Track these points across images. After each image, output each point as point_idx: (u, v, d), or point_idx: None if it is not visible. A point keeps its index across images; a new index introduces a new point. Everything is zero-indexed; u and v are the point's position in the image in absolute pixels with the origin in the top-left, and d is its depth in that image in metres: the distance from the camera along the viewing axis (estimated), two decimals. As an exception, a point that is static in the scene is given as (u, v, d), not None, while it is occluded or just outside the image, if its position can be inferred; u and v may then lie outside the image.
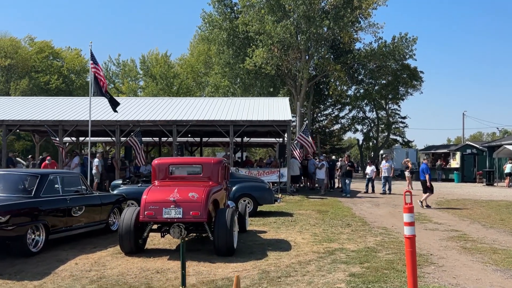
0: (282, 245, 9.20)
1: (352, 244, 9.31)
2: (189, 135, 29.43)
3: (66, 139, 25.52)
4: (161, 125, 20.34)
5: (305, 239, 9.85)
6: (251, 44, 39.22)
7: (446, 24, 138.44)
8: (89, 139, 18.07)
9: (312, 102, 44.89)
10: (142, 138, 28.69)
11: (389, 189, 22.06)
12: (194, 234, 9.52)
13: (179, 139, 30.93)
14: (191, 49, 50.19)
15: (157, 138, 29.60)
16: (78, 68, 57.81)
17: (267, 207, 14.64)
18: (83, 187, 9.75)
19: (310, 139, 21.72)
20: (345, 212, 14.92)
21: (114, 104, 16.84)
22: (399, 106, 52.11)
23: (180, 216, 7.83)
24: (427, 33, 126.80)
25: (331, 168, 23.05)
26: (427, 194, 16.23)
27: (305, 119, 36.61)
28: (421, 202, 16.19)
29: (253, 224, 11.81)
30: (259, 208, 14.06)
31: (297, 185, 21.75)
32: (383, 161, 22.95)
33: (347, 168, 20.77)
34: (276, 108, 22.22)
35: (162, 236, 8.74)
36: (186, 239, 8.56)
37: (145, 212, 7.90)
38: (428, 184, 16.09)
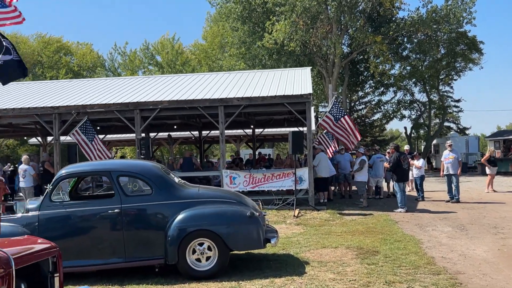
0: None
1: None
2: (190, 132, 22.77)
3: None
4: (118, 111, 13.70)
5: None
6: (271, 17, 32.39)
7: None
8: None
9: (347, 86, 37.43)
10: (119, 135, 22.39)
11: (458, 193, 14.62)
12: None
13: (177, 134, 24.43)
14: (204, 34, 43.62)
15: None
16: (90, 65, 52.50)
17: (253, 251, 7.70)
18: None
19: (346, 123, 14.51)
20: (411, 250, 7.81)
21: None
22: (451, 87, 43.77)
23: None
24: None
25: (376, 165, 15.67)
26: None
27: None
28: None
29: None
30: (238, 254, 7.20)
31: (325, 193, 14.57)
32: (446, 152, 14.98)
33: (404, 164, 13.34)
34: (291, 81, 15.19)
35: None
36: None
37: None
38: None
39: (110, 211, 6.34)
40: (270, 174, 13.36)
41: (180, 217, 6.37)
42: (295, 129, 19.13)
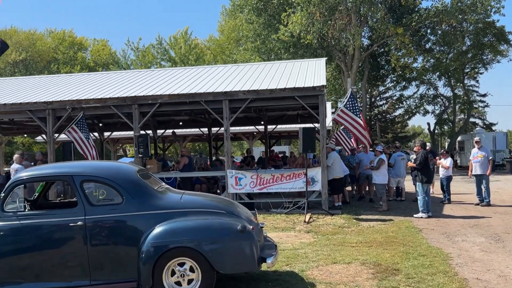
0: None
1: None
2: (199, 129, 21.67)
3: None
4: (114, 106, 12.66)
5: None
6: (287, 9, 31.09)
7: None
8: None
9: (367, 80, 35.88)
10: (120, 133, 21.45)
11: (488, 195, 13.18)
12: None
13: (187, 131, 23.34)
14: (220, 28, 42.50)
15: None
16: (105, 61, 51.94)
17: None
18: None
19: (359, 120, 13.27)
20: (438, 268, 6.54)
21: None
22: (477, 81, 41.74)
23: None
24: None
25: (397, 164, 14.28)
26: None
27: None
28: None
29: None
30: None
31: (340, 196, 13.29)
32: (475, 150, 13.39)
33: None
34: (303, 73, 13.95)
35: None
36: None
37: None
38: None
39: (71, 224, 5.26)
40: (280, 175, 12.15)
41: (155, 231, 5.25)
42: (310, 125, 17.85)
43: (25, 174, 5.57)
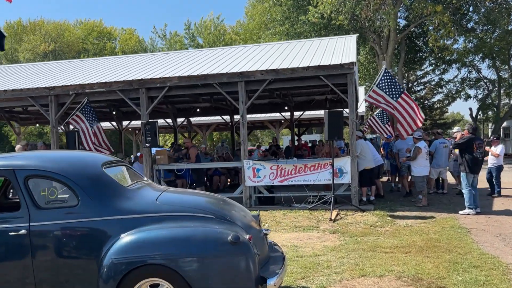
0: None
1: None
2: (221, 116, 20.39)
3: None
4: (120, 90, 11.49)
5: None
6: (316, -11, 29.36)
7: None
8: None
9: (404, 63, 33.70)
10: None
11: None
12: None
13: (209, 119, 22.10)
14: (248, 13, 40.99)
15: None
16: (133, 49, 51.38)
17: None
18: None
19: (394, 103, 11.46)
20: (498, 287, 5.07)
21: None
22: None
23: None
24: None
25: (439, 153, 12.54)
26: None
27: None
28: None
29: None
30: None
31: (373, 188, 11.73)
32: None
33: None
34: (329, 51, 12.42)
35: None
36: None
37: None
38: None
39: (12, 233, 4.05)
40: (303, 165, 10.72)
41: (119, 243, 3.97)
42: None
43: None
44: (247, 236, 4.14)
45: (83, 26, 52.23)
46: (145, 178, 5.21)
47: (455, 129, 13.91)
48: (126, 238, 4.01)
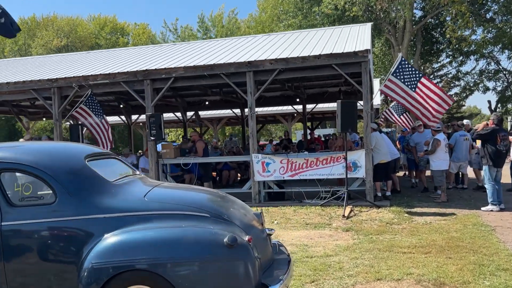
0: None
1: None
2: (231, 109, 19.88)
3: None
4: (124, 82, 11.07)
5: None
6: (330, -21, 28.63)
7: None
8: None
9: (420, 55, 32.82)
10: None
11: None
12: None
13: (220, 113, 21.60)
14: (260, 5, 40.39)
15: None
16: (144, 44, 51.15)
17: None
18: None
19: (412, 94, 10.72)
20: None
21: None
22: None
23: None
24: None
25: (459, 146, 11.87)
26: None
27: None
28: None
29: None
30: None
31: (389, 183, 11.13)
32: None
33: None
34: (343, 39, 11.83)
35: None
36: None
37: None
38: None
39: (-19, 233, 3.60)
40: (314, 159, 10.18)
41: (101, 246, 3.50)
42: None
43: None
44: (246, 238, 3.64)
45: (96, 22, 52.09)
46: (137, 172, 4.73)
47: (465, 121, 13.31)
48: (108, 240, 3.54)
